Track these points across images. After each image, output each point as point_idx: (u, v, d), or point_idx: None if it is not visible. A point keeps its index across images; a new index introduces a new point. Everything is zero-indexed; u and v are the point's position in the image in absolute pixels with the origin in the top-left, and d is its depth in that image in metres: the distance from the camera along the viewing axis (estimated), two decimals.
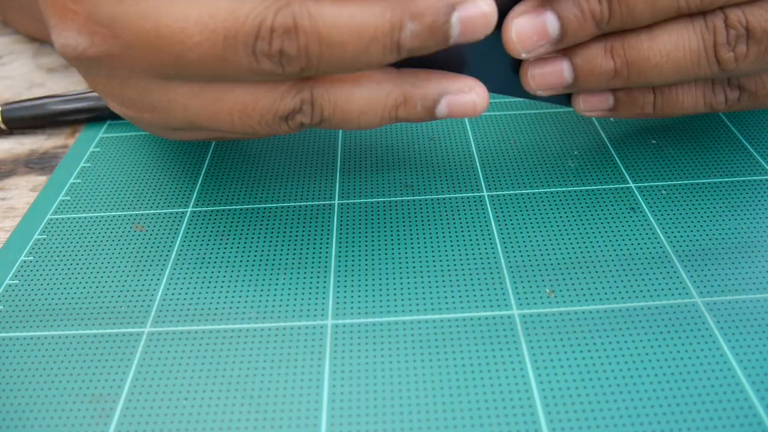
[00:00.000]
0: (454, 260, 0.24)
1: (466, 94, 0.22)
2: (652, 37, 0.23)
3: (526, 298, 0.23)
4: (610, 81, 0.23)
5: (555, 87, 0.24)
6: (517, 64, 0.24)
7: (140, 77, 0.22)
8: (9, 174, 0.31)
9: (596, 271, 0.24)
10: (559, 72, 0.23)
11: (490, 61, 0.24)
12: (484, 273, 0.24)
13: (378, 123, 0.23)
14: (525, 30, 0.21)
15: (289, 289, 0.24)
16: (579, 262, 0.24)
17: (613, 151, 0.29)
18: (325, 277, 0.24)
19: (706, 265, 0.24)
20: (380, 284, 0.23)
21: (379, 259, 0.24)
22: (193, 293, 0.24)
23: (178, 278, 0.24)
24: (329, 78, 0.22)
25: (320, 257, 0.25)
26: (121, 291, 0.24)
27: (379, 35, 0.19)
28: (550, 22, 0.21)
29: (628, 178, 0.28)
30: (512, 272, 0.24)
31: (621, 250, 0.24)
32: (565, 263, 0.24)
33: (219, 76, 0.20)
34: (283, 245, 0.25)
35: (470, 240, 0.25)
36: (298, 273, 0.24)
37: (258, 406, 0.20)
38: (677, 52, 0.22)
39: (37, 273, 0.25)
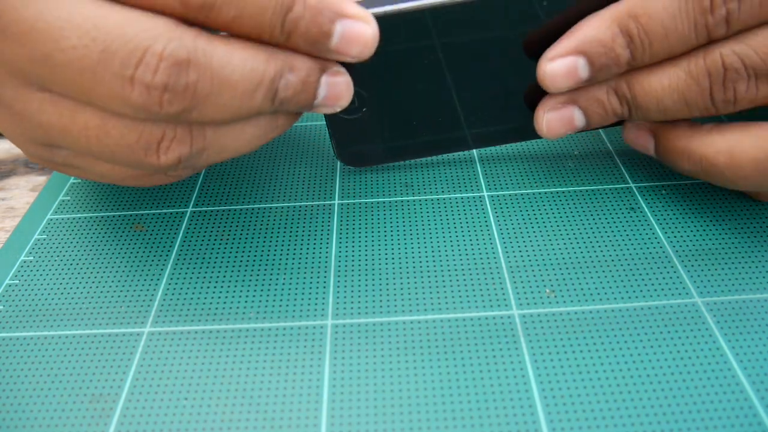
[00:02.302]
0: (454, 260, 0.24)
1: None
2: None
3: (526, 298, 0.23)
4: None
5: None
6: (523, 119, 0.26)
7: (1, 68, 0.19)
8: (9, 174, 0.31)
9: (596, 271, 0.24)
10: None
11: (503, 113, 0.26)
12: (484, 273, 0.24)
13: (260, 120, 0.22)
14: (553, 122, 0.24)
15: (289, 289, 0.24)
16: (579, 262, 0.24)
17: (613, 151, 0.29)
18: (325, 277, 0.24)
19: (706, 265, 0.24)
20: (380, 284, 0.23)
21: (379, 259, 0.24)
22: (193, 293, 0.24)
23: (178, 278, 0.24)
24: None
25: (320, 257, 0.25)
26: (121, 291, 0.24)
27: (265, 81, 0.19)
28: (577, 117, 0.24)
29: (627, 178, 0.28)
30: (512, 272, 0.24)
31: (621, 250, 0.24)
32: (565, 263, 0.24)
33: (81, 91, 0.19)
34: (283, 245, 0.25)
35: (470, 240, 0.25)
36: (298, 273, 0.24)
37: (258, 406, 0.20)
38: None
39: (37, 273, 0.25)
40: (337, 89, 0.21)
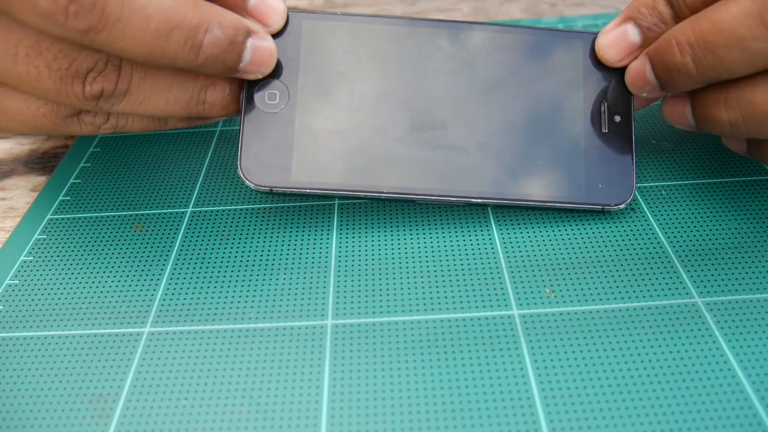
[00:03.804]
0: (454, 260, 0.24)
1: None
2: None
3: (526, 298, 0.23)
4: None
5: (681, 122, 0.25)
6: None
7: None
8: (9, 174, 0.31)
9: (596, 271, 0.23)
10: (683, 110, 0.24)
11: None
12: (484, 273, 0.24)
13: (188, 98, 0.22)
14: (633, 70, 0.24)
15: (289, 289, 0.24)
16: (579, 262, 0.24)
17: None
18: (325, 277, 0.24)
19: (706, 265, 0.24)
20: (380, 284, 0.23)
21: (379, 259, 0.24)
22: (194, 293, 0.24)
23: (178, 278, 0.24)
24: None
25: (320, 257, 0.25)
26: (121, 291, 0.24)
27: (184, 25, 0.20)
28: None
29: None
30: (512, 272, 0.24)
31: (621, 249, 0.24)
32: (564, 263, 0.24)
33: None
34: (283, 245, 0.25)
35: (470, 240, 0.25)
36: (298, 273, 0.24)
37: (258, 406, 0.20)
38: None
39: (37, 273, 0.25)
40: (261, 54, 0.22)
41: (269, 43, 0.23)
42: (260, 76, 0.23)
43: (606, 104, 0.24)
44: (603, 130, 0.25)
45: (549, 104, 0.25)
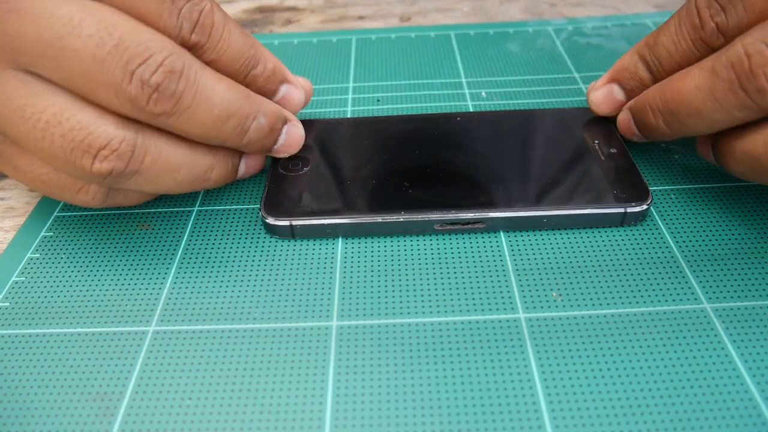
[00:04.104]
0: (461, 263, 0.24)
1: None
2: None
3: (533, 302, 0.22)
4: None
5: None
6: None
7: None
8: None
9: (603, 276, 0.23)
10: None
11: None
12: (491, 276, 0.24)
13: (193, 182, 0.24)
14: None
15: (295, 289, 0.23)
16: (586, 266, 0.24)
17: None
18: (330, 277, 0.24)
19: (715, 270, 0.23)
20: (385, 286, 0.23)
21: (385, 260, 0.24)
22: (199, 292, 0.24)
23: (183, 277, 0.24)
24: (158, 131, 0.23)
25: (326, 258, 0.25)
26: (126, 289, 0.24)
27: (238, 114, 0.23)
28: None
29: None
30: (519, 275, 0.24)
31: (629, 254, 0.24)
32: (572, 267, 0.24)
33: (80, 75, 0.20)
34: (288, 245, 0.25)
35: (476, 242, 0.25)
36: (304, 273, 0.24)
37: (262, 407, 0.20)
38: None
39: (43, 270, 0.25)
40: (293, 138, 0.26)
41: (300, 130, 0.27)
42: (286, 156, 0.27)
43: (598, 143, 0.28)
44: (602, 158, 0.27)
45: (551, 151, 0.28)
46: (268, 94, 0.26)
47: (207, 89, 0.22)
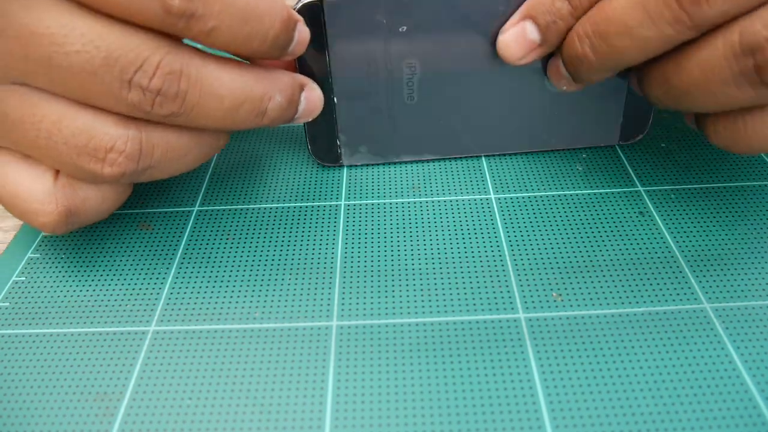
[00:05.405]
0: (461, 262, 0.24)
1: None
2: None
3: (533, 302, 0.22)
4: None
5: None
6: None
7: None
8: None
9: (604, 275, 0.23)
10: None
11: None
12: (491, 276, 0.24)
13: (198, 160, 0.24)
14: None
15: (295, 289, 0.23)
16: (587, 266, 0.24)
17: (621, 155, 0.29)
18: (330, 278, 0.24)
19: (715, 270, 0.23)
20: (385, 286, 0.23)
21: (385, 260, 0.24)
22: (199, 292, 0.24)
23: (183, 277, 0.24)
24: (162, 124, 0.22)
25: (326, 258, 0.25)
26: (126, 289, 0.24)
27: (250, 100, 0.22)
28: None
29: (636, 181, 0.27)
30: (519, 275, 0.24)
31: (629, 254, 0.24)
32: (572, 267, 0.24)
33: (76, 89, 0.20)
34: (289, 245, 0.25)
35: (477, 242, 0.25)
36: (304, 273, 0.24)
37: (262, 407, 0.20)
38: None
39: (43, 270, 0.25)
40: (312, 104, 0.25)
41: (317, 92, 0.25)
42: (310, 119, 0.26)
43: None
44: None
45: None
46: (284, 45, 0.23)
47: (212, 82, 0.21)
